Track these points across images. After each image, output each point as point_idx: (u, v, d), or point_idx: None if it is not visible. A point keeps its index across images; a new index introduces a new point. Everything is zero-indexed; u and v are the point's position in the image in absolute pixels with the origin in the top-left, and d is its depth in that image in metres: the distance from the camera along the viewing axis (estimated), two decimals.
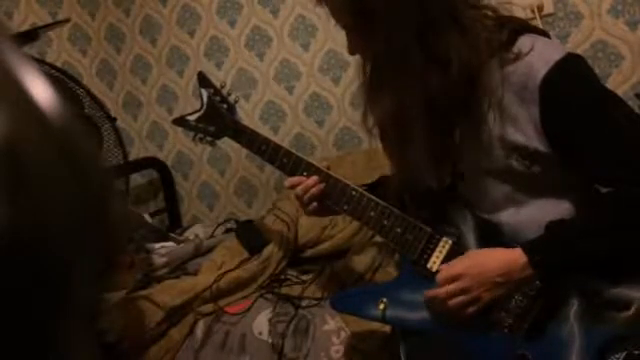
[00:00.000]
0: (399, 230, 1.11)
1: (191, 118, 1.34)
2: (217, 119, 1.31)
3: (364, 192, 1.14)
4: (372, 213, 1.13)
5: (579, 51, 1.76)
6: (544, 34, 1.01)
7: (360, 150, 2.19)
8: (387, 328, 1.41)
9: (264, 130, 2.29)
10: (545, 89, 0.92)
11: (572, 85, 0.95)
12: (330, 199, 1.17)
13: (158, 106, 2.59)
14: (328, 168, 1.19)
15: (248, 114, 2.35)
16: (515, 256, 0.98)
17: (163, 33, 2.48)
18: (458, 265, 1.03)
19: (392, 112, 0.99)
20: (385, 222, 1.12)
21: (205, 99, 1.32)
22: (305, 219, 1.84)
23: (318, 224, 1.82)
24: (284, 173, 1.23)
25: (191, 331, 1.64)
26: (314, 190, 1.16)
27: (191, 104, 2.42)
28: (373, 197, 1.13)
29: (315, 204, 1.17)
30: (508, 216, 1.05)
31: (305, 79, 2.26)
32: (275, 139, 1.26)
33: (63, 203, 0.23)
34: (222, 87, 1.32)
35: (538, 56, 0.93)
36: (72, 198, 0.24)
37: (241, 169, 2.46)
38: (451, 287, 1.01)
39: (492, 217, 1.07)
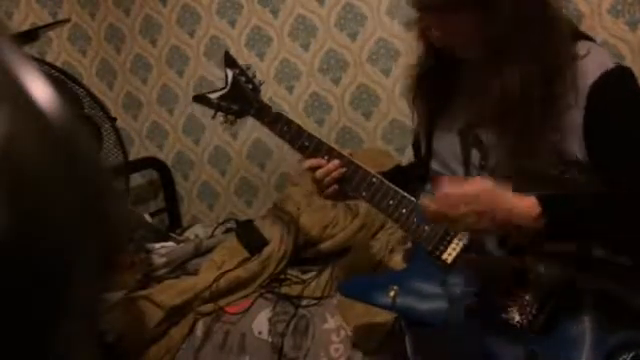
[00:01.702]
0: (416, 220, 1.12)
1: (213, 96, 1.34)
2: (241, 98, 1.31)
3: (384, 180, 1.15)
4: (391, 201, 1.13)
5: None
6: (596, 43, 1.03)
7: (360, 150, 2.18)
8: (387, 326, 1.41)
9: (264, 130, 2.28)
10: (594, 95, 0.94)
11: (620, 95, 0.97)
12: (350, 184, 1.17)
13: (158, 106, 2.59)
14: (351, 155, 1.20)
15: None
16: (529, 204, 0.94)
17: (163, 33, 2.48)
18: (476, 184, 0.97)
19: (512, 91, 0.96)
20: (403, 211, 1.13)
21: (230, 79, 1.31)
22: (305, 219, 1.85)
23: (319, 223, 1.82)
24: (303, 156, 1.23)
25: (191, 331, 1.64)
26: (335, 174, 1.16)
27: (192, 104, 2.42)
28: (393, 185, 1.14)
29: (332, 188, 1.18)
30: None
31: (305, 79, 2.26)
32: None
33: (63, 203, 0.23)
34: (248, 68, 1.33)
35: (592, 62, 0.96)
36: (72, 198, 0.24)
37: (241, 169, 2.46)
38: (460, 192, 0.95)
39: None
